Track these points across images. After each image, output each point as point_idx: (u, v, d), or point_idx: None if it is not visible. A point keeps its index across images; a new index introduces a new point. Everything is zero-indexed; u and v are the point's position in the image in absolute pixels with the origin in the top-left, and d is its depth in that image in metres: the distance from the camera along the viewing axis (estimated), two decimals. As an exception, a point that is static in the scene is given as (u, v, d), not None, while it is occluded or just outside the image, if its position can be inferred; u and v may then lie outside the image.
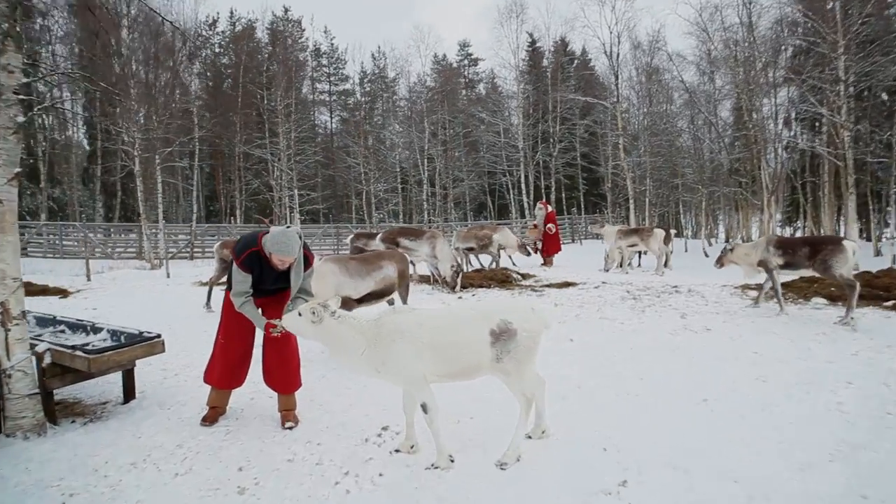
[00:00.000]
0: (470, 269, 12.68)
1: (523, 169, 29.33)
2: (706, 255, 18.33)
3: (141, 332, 4.41)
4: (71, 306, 9.19)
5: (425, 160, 27.87)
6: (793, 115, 23.15)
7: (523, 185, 29.47)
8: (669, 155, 24.60)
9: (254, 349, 4.18)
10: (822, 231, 24.10)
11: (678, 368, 5.11)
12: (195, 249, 21.57)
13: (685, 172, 24.50)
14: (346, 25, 64.13)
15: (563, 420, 3.94)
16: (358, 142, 26.74)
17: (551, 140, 31.91)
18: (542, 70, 38.03)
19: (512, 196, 33.82)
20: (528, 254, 13.46)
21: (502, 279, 10.86)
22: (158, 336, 4.33)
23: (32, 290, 10.48)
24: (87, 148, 29.60)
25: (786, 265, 7.06)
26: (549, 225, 14.94)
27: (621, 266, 13.47)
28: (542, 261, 15.07)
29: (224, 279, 5.42)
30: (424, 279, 11.08)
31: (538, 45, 40.76)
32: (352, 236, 11.36)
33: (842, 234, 14.15)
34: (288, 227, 3.77)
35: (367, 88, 42.98)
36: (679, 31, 27.42)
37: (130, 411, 4.40)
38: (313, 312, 3.30)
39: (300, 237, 3.76)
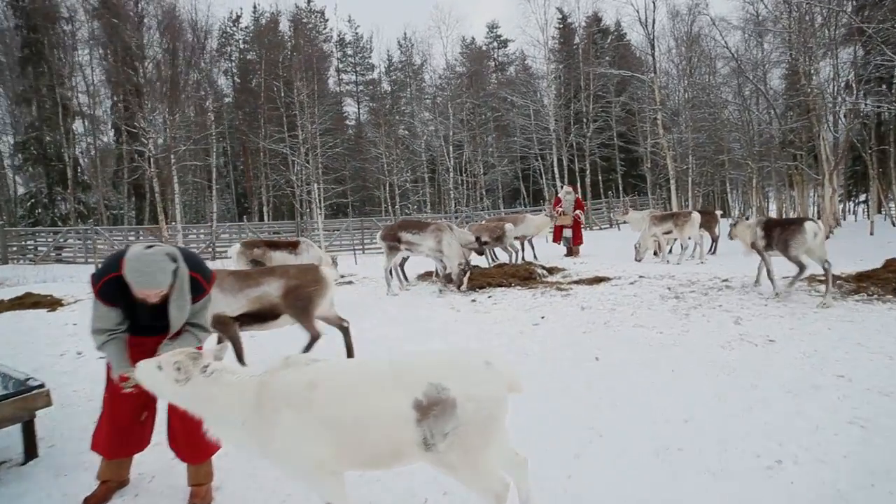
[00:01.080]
0: (492, 264, 11.48)
1: (555, 152, 27.72)
2: (759, 238, 16.53)
3: (27, 379, 3.45)
4: (52, 321, 8.50)
5: (451, 147, 26.61)
6: (852, 77, 20.74)
7: (556, 170, 27.86)
8: (713, 129, 22.52)
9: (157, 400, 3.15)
10: (891, 207, 21.73)
11: (735, 405, 3.84)
12: (217, 249, 21.09)
13: (732, 147, 22.40)
14: (366, 12, 62.87)
15: (574, 493, 2.78)
16: (380, 131, 25.72)
17: (585, 120, 30.11)
18: (573, 47, 36.12)
19: (545, 181, 32.25)
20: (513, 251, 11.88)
21: (525, 276, 9.63)
22: (41, 386, 3.35)
23: (25, 302, 9.95)
24: (115, 150, 29.62)
25: (767, 246, 7.08)
26: (577, 211, 13.61)
27: (657, 254, 12.01)
28: (567, 251, 13.76)
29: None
30: (427, 275, 9.98)
31: (569, 20, 38.85)
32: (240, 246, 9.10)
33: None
34: (149, 246, 2.65)
35: (394, 77, 41.99)
36: (722, -6, 24.92)
37: (21, 478, 3.47)
38: (178, 367, 2.24)
39: (175, 258, 2.68)
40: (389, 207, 23.20)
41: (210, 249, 21.14)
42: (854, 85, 19.17)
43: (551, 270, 10.42)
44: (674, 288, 7.83)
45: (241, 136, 31.12)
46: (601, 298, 7.47)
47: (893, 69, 16.99)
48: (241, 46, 39.70)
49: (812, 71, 16.42)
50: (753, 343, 5.06)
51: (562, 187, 15.09)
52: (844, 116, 21.69)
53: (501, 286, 9.03)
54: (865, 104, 21.23)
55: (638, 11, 20.21)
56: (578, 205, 13.70)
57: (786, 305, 6.27)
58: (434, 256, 8.90)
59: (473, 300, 8.04)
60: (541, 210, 19.05)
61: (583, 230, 14.51)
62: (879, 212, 25.98)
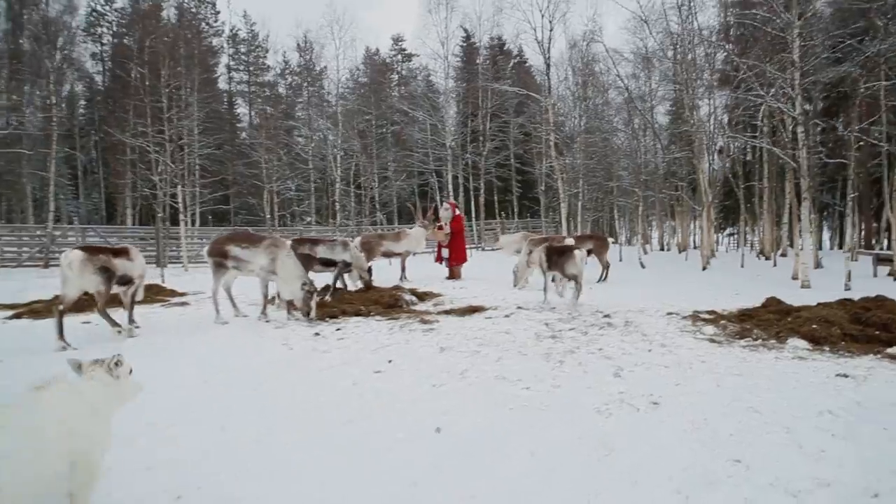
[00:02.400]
0: (358, 286, 10.04)
1: (450, 168, 26.99)
2: (642, 267, 16.52)
3: None
4: None
5: (338, 156, 24.97)
6: (725, 119, 21.90)
7: (450, 187, 27.11)
8: (604, 156, 22.89)
9: None
10: (758, 239, 23.04)
11: (609, 517, 2.70)
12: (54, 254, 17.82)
13: (621, 175, 22.88)
14: (259, 6, 59.34)
15: None
16: (260, 134, 23.51)
17: (481, 138, 29.76)
18: (475, 67, 35.96)
19: (440, 198, 31.46)
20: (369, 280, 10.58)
21: (390, 303, 8.33)
22: None
23: None
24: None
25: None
26: (442, 223, 12.68)
27: (516, 284, 11.01)
28: (449, 272, 12.76)
29: None
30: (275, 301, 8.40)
31: (472, 40, 38.81)
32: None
33: (800, 246, 12.51)
34: None
35: (290, 81, 39.59)
36: (616, 25, 25.70)
37: None
38: None
39: None
40: (268, 217, 20.96)
41: (42, 254, 17.92)
42: (725, 127, 20.12)
43: (423, 296, 9.22)
44: (552, 324, 6.85)
45: (107, 129, 27.43)
46: (468, 336, 6.29)
47: (758, 112, 17.86)
48: (115, 30, 35.54)
49: (693, 106, 16.80)
50: (635, 406, 4.04)
51: (441, 203, 14.08)
52: (719, 152, 22.89)
53: (359, 314, 7.65)
54: (734, 144, 22.53)
55: (535, 30, 19.97)
56: (458, 223, 12.73)
57: (671, 352, 5.41)
58: (264, 277, 7.32)
59: (317, 333, 6.56)
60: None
61: (469, 250, 13.56)
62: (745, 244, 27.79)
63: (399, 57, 44.97)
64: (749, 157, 25.21)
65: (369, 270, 10.13)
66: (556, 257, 8.67)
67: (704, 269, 15.31)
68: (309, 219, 28.15)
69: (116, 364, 2.61)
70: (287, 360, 5.46)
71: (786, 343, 5.56)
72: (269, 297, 7.75)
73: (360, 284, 9.90)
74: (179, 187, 17.32)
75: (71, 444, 2.17)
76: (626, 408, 4.03)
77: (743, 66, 13.04)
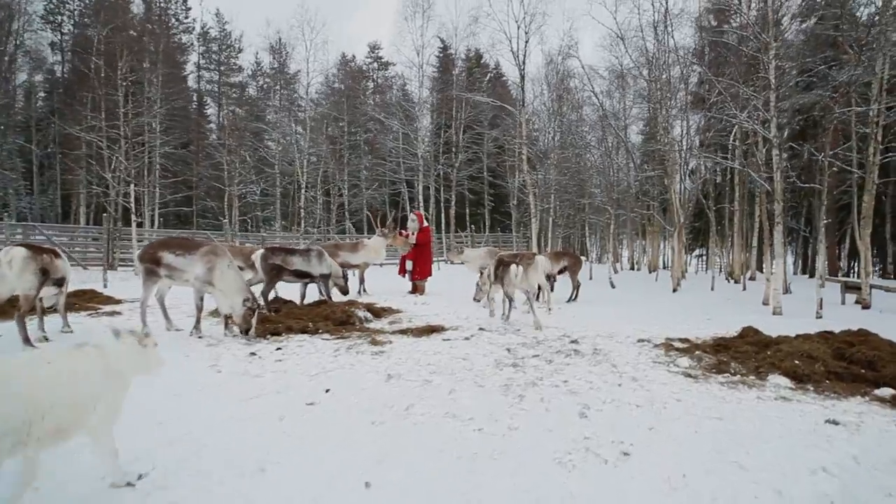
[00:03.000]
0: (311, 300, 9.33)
1: (422, 179, 26.44)
2: (612, 286, 16.14)
3: None
4: None
5: (304, 161, 24.13)
6: (697, 141, 21.94)
7: (421, 198, 26.53)
8: (577, 172, 22.65)
9: None
10: (726, 261, 23.02)
11: None
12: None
13: (594, 192, 22.65)
14: (232, 5, 57.81)
15: None
16: (223, 133, 22.53)
17: (454, 150, 29.30)
18: (450, 77, 35.63)
19: (409, 209, 30.87)
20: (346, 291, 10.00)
21: (341, 319, 7.63)
22: None
23: None
24: None
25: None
26: (406, 234, 12.13)
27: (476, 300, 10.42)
28: (412, 287, 12.16)
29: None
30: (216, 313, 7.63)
31: (449, 51, 38.54)
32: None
33: (772, 269, 12.24)
34: None
35: (261, 83, 38.61)
36: (592, 42, 25.59)
37: None
38: None
39: None
40: (225, 221, 19.90)
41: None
42: (697, 149, 20.08)
43: (380, 312, 8.56)
44: (515, 349, 6.27)
45: (60, 123, 26.09)
46: (420, 361, 5.65)
47: (731, 134, 17.83)
48: (77, 19, 34.11)
49: (666, 126, 16.63)
50: (602, 457, 3.45)
51: (409, 213, 13.49)
52: (691, 173, 22.91)
53: (306, 332, 6.94)
54: (706, 165, 22.56)
55: (511, 41, 19.65)
56: (424, 235, 12.15)
57: (643, 388, 4.86)
58: (199, 288, 6.56)
59: (253, 353, 5.84)
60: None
61: (434, 263, 12.97)
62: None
63: (375, 65, 44.47)
64: (720, 179, 25.39)
65: (345, 278, 9.88)
66: (502, 269, 8.13)
67: (675, 290, 15.01)
68: (276, 225, 27.12)
69: (146, 335, 3.16)
70: (211, 387, 4.73)
71: (766, 380, 5.07)
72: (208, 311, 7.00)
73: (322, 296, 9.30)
74: (132, 186, 16.27)
75: (99, 389, 2.74)
76: (592, 458, 3.45)
77: (718, 85, 12.82)
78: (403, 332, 7.26)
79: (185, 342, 6.34)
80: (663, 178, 22.85)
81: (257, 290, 7.96)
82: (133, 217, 16.41)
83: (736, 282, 18.53)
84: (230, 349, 6.03)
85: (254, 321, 6.45)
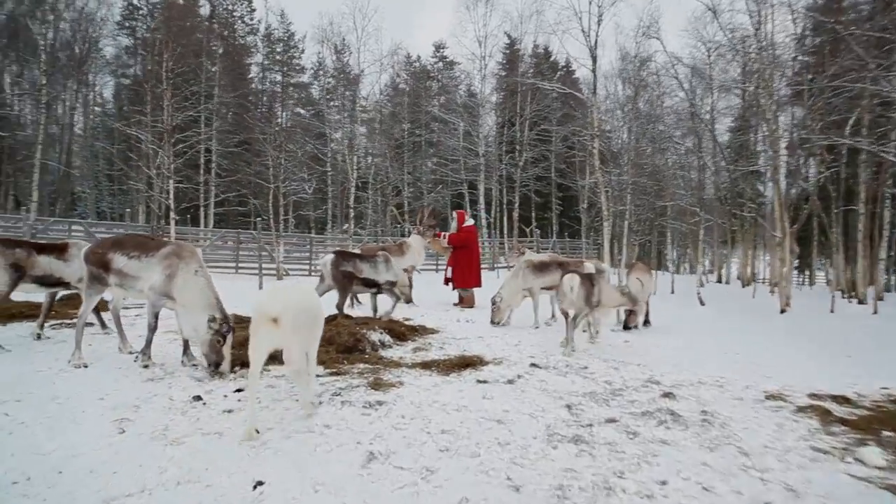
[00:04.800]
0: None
1: (483, 180, 24.51)
2: (701, 303, 13.53)
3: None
4: None
5: (356, 159, 22.78)
6: (796, 137, 18.64)
7: (483, 199, 24.59)
8: (655, 171, 19.84)
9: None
10: (839, 275, 19.51)
11: None
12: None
13: (680, 194, 19.76)
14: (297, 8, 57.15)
15: None
16: (271, 126, 21.57)
17: (518, 148, 27.14)
18: (517, 74, 33.49)
19: (470, 212, 29.01)
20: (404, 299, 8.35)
21: (348, 344, 5.83)
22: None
23: None
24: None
25: None
26: (436, 233, 10.31)
27: (495, 322, 8.33)
28: (458, 298, 10.29)
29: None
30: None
31: (517, 47, 36.46)
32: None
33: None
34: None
35: (323, 83, 38.05)
36: (674, 27, 22.64)
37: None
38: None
39: None
40: (271, 221, 18.81)
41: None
42: (796, 140, 16.93)
43: (405, 334, 6.73)
44: (578, 405, 4.24)
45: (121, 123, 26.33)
46: (432, 424, 3.74)
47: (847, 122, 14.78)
48: (148, 24, 34.80)
49: (768, 115, 13.83)
50: None
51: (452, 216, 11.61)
52: (791, 174, 19.60)
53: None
54: (814, 162, 19.21)
55: (580, 18, 17.25)
56: (468, 235, 10.26)
57: (786, 472, 2.71)
58: (155, 301, 4.92)
59: (198, 397, 4.11)
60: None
61: (494, 270, 11.02)
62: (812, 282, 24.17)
63: (440, 65, 43.06)
64: (826, 181, 21.79)
65: (410, 285, 8.53)
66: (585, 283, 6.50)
67: (783, 311, 12.21)
68: (328, 226, 25.97)
69: None
70: (82, 465, 3.02)
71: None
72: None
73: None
74: (171, 182, 15.47)
75: None
76: None
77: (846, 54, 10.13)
78: (427, 365, 5.37)
79: (126, 372, 4.74)
80: (758, 179, 19.84)
81: (327, 300, 6.56)
82: (172, 215, 15.59)
83: (860, 302, 15.28)
84: (171, 387, 4.35)
85: (226, 351, 4.72)
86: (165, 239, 5.92)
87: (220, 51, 29.83)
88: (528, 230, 24.24)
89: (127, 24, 34.43)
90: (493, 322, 8.18)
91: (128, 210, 25.76)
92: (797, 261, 30.85)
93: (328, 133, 25.48)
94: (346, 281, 7.50)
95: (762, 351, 7.09)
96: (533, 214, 31.35)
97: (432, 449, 3.31)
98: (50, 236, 16.93)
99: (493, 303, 8.26)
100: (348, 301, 8.86)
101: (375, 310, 8.20)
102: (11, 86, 23.96)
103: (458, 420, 3.83)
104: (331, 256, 7.61)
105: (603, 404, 4.32)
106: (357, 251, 8.82)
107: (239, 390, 4.31)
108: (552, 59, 37.74)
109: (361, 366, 5.24)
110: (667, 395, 4.56)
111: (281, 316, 3.44)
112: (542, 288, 8.48)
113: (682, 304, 13.15)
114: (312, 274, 17.92)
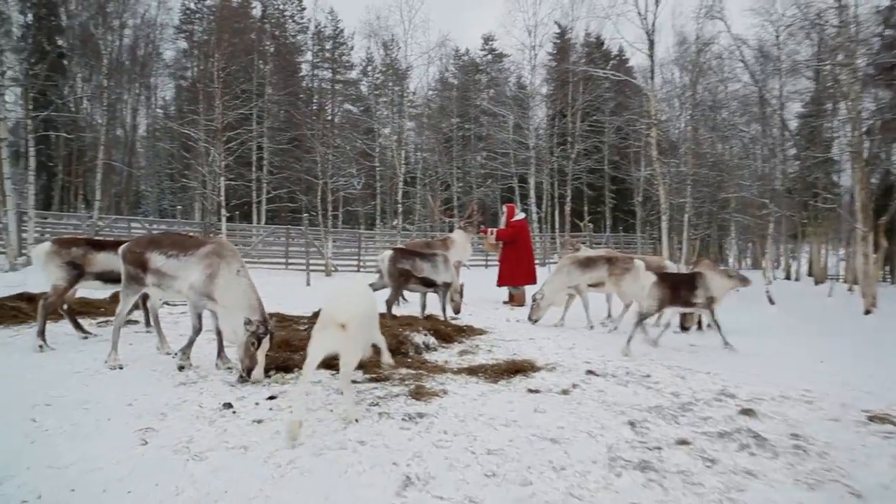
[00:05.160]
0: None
1: (534, 174, 23.79)
2: (771, 302, 12.53)
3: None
4: None
5: (403, 152, 22.48)
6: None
7: (534, 193, 23.90)
8: (716, 162, 18.53)
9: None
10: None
11: None
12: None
13: (743, 185, 18.37)
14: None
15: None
16: (320, 118, 21.60)
17: (570, 139, 26.23)
18: (567, 65, 32.41)
19: (520, 206, 28.34)
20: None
21: (390, 347, 5.49)
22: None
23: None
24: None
25: None
26: (488, 232, 9.89)
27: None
28: (508, 296, 9.85)
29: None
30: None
31: (567, 36, 35.37)
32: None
33: None
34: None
35: (372, 79, 38.13)
36: (739, 6, 21.10)
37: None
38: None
39: None
40: (320, 216, 18.79)
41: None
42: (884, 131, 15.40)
43: (451, 335, 6.41)
44: (641, 421, 3.76)
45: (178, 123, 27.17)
46: (477, 442, 3.35)
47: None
48: (204, 27, 35.76)
49: (855, 94, 12.59)
50: None
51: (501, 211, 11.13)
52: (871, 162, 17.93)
53: (329, 367, 4.88)
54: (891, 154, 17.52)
55: (637, 1, 16.23)
56: (519, 230, 9.79)
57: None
58: (196, 302, 4.71)
59: (229, 404, 3.86)
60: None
61: (546, 266, 10.52)
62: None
63: (489, 57, 42.39)
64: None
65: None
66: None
67: (868, 312, 11.09)
68: (395, 221, 25.69)
69: None
70: (96, 481, 2.79)
71: None
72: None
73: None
74: (223, 180, 15.66)
75: None
76: None
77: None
78: (473, 371, 4.99)
79: (160, 375, 4.57)
80: (832, 167, 18.43)
81: (380, 295, 6.42)
82: (223, 212, 15.81)
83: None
84: (203, 393, 4.13)
85: (260, 356, 4.46)
86: (207, 237, 5.75)
87: (272, 50, 30.18)
88: (580, 224, 23.39)
89: (184, 28, 35.49)
90: (530, 319, 7.86)
91: (178, 207, 26.56)
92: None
93: (377, 128, 25.37)
94: (402, 279, 7.36)
95: (851, 359, 6.31)
96: (585, 208, 30.32)
97: (477, 473, 2.92)
98: (113, 234, 17.58)
99: (534, 300, 7.89)
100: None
101: (424, 308, 7.90)
102: (80, 90, 25.03)
103: (506, 438, 3.43)
104: (389, 253, 7.50)
105: (671, 421, 3.81)
106: (419, 249, 8.54)
107: (272, 398, 4.06)
108: (604, 47, 36.46)
109: (403, 371, 4.91)
110: (746, 411, 3.99)
111: (349, 323, 3.47)
112: (590, 285, 7.96)
113: (749, 303, 12.16)
114: (361, 270, 17.86)
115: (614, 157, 30.48)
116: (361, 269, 17.69)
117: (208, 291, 4.63)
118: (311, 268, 15.51)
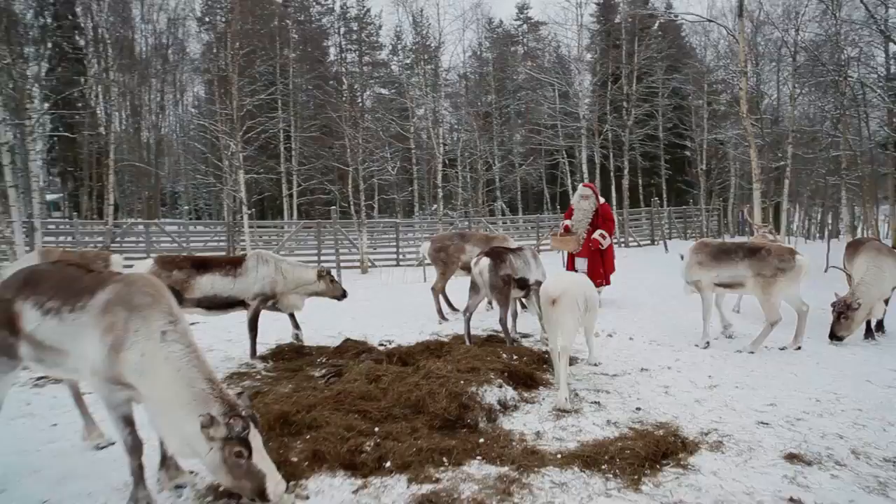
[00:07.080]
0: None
1: (584, 147, 21.27)
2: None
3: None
4: None
5: (440, 132, 20.30)
6: None
7: (585, 168, 21.41)
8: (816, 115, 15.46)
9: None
10: None
11: None
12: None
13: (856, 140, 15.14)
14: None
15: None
16: (343, 104, 19.67)
17: (625, 105, 23.49)
18: (614, 26, 29.40)
19: (570, 182, 25.88)
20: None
21: (447, 415, 3.51)
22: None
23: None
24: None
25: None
26: (599, 232, 7.56)
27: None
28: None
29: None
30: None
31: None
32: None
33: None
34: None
35: (403, 59, 36.08)
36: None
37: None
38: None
39: None
40: (351, 207, 16.94)
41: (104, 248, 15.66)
42: None
43: (532, 378, 4.39)
44: None
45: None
46: None
47: None
48: (226, 17, 34.45)
49: None
50: None
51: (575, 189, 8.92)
52: None
53: (353, 467, 2.94)
54: None
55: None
56: (604, 218, 7.58)
57: None
58: (108, 396, 2.64)
59: None
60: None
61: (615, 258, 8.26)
62: None
63: (525, 27, 39.63)
64: None
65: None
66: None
67: None
68: (434, 206, 23.70)
69: None
70: None
71: None
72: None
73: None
74: (241, 173, 14.03)
75: None
76: None
77: None
78: (589, 461, 2.95)
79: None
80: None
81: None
82: (244, 209, 14.21)
83: None
84: None
85: (260, 460, 2.41)
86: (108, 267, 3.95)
87: (296, 36, 28.60)
88: (652, 201, 20.90)
89: (207, 20, 34.35)
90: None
91: (203, 205, 25.41)
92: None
93: (410, 108, 23.34)
94: (507, 288, 5.51)
95: None
96: (639, 182, 27.49)
97: None
98: (131, 241, 16.30)
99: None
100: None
101: (511, 330, 5.88)
102: (96, 91, 24.04)
103: None
104: (487, 261, 5.53)
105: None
106: (507, 246, 6.56)
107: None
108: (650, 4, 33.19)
109: (471, 468, 2.91)
110: None
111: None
112: (718, 285, 5.75)
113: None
114: (400, 264, 15.99)
115: (668, 125, 27.48)
116: (401, 264, 15.84)
117: (114, 374, 2.61)
118: (344, 265, 13.76)
